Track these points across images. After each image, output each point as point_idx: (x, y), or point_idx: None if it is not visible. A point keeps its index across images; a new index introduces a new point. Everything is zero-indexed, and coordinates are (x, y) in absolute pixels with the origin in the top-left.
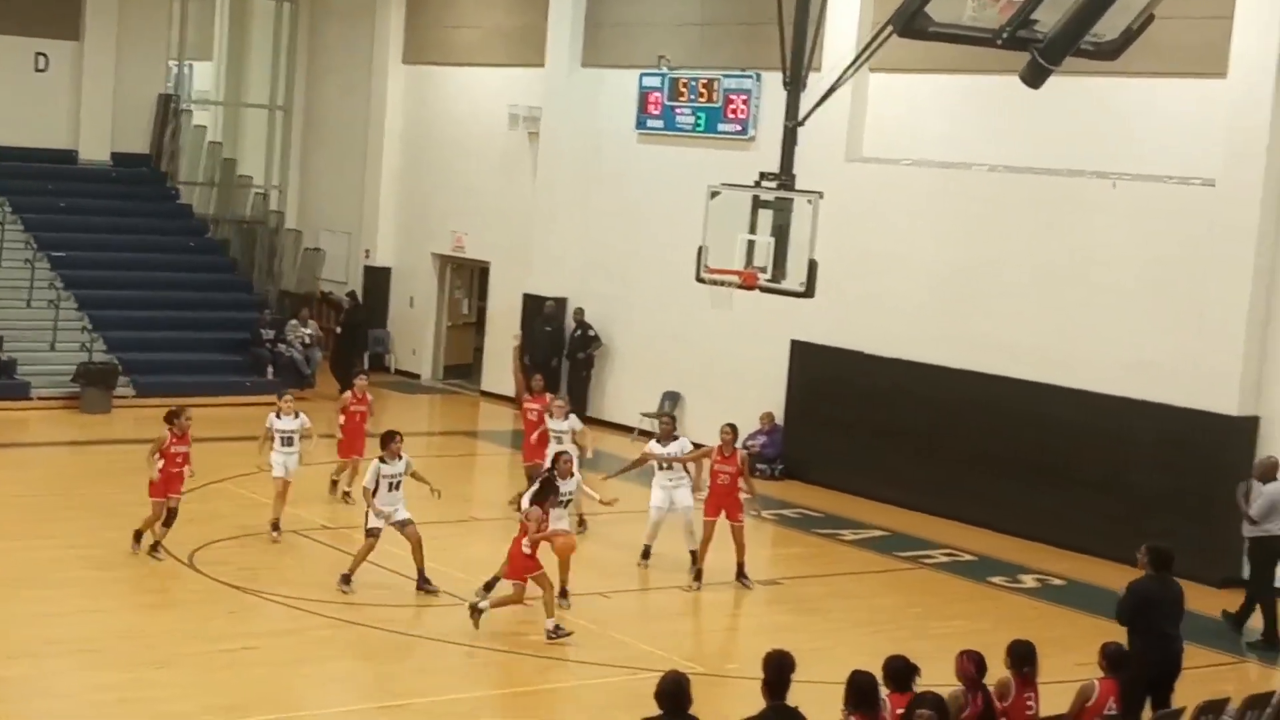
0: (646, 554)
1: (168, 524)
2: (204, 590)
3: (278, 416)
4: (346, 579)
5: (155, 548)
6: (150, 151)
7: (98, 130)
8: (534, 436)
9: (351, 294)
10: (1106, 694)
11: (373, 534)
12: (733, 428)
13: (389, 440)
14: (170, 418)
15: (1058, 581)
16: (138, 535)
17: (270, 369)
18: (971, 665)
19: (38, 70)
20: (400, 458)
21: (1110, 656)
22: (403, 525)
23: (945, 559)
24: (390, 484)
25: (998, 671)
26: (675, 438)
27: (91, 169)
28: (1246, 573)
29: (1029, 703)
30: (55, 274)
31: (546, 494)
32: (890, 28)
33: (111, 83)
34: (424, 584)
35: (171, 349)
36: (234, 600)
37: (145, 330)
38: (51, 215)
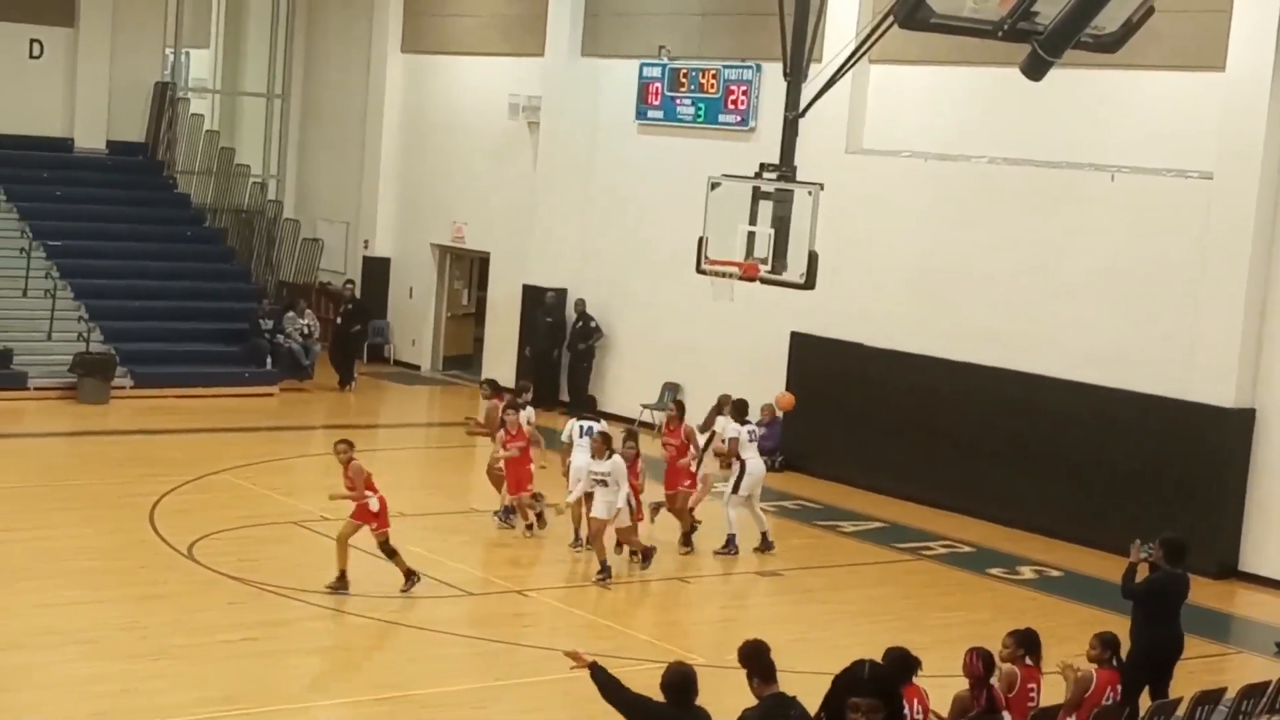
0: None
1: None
2: (203, 581)
3: (594, 458)
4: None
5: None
6: (147, 140)
7: (93, 118)
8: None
9: (350, 284)
10: (1105, 683)
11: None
12: (677, 403)
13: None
14: None
15: (1055, 573)
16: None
17: (269, 360)
18: (980, 664)
19: (32, 57)
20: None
21: (1109, 644)
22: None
23: (944, 550)
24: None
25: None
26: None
27: (88, 157)
28: None
29: (1031, 692)
30: (51, 263)
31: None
32: (891, 19)
33: (107, 70)
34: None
35: (169, 339)
36: (233, 591)
37: (142, 320)
38: (47, 204)
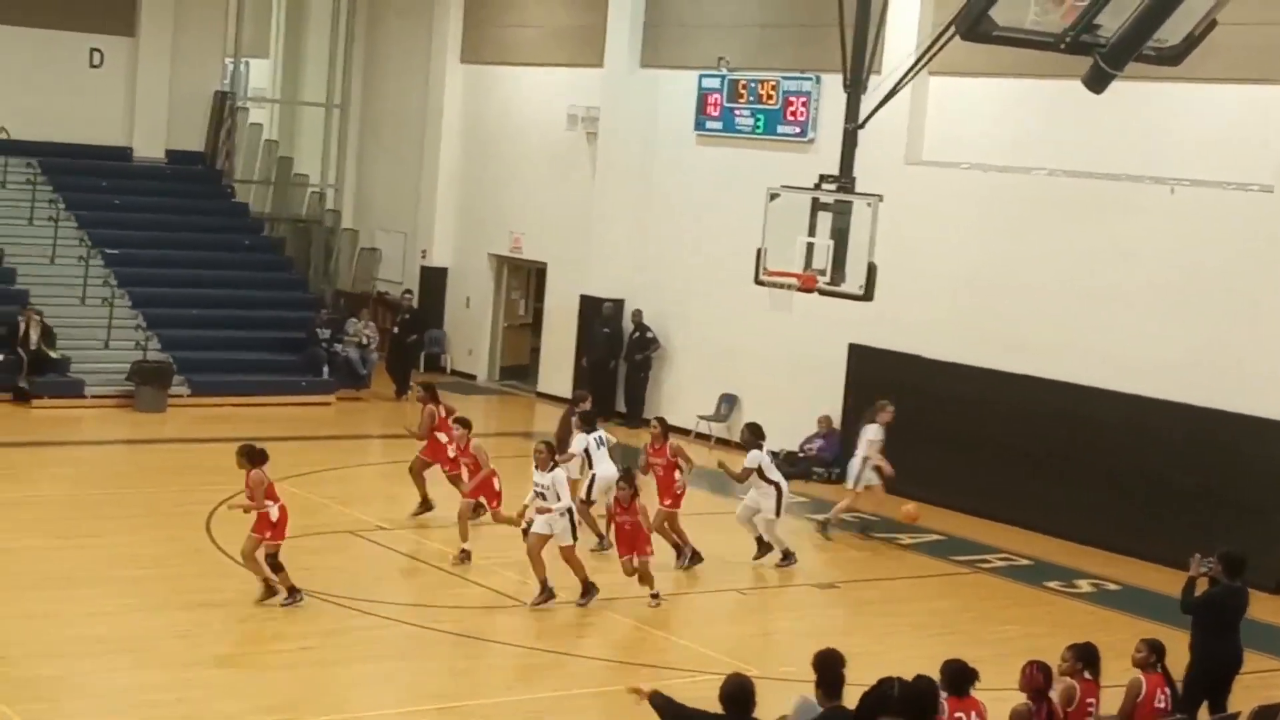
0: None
1: None
2: (255, 590)
3: (538, 469)
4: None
5: None
6: (205, 149)
7: (153, 127)
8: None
9: (407, 293)
10: (1154, 687)
11: None
12: (660, 420)
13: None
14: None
15: (1113, 586)
16: None
17: (325, 369)
18: (1041, 676)
19: (93, 66)
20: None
21: (1155, 649)
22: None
23: (1001, 564)
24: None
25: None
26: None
27: (146, 166)
28: None
29: (1090, 708)
30: (109, 272)
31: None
32: (952, 30)
33: (167, 79)
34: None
35: (226, 348)
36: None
37: (200, 329)
38: (106, 213)
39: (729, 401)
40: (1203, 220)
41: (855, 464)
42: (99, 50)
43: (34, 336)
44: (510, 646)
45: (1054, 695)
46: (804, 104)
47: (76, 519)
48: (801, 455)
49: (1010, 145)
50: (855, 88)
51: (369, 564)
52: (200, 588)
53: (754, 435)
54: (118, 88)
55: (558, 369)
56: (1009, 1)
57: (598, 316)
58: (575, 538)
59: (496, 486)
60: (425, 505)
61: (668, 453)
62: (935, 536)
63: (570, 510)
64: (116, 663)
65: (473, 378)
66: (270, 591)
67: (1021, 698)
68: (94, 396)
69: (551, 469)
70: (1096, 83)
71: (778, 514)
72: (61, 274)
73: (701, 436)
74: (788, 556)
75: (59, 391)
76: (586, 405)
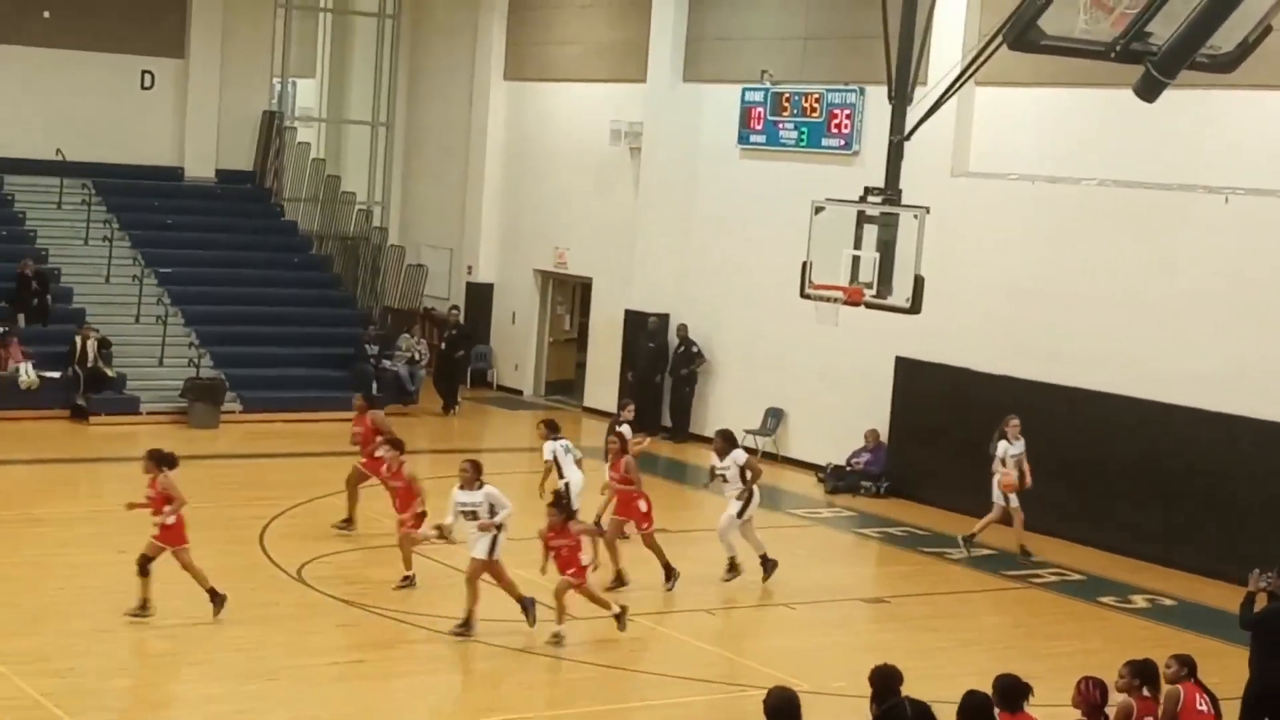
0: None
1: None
2: (313, 604)
3: (463, 488)
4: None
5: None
6: (254, 168)
7: (203, 147)
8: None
9: (454, 309)
10: (1193, 693)
11: None
12: (619, 436)
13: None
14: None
15: (1168, 602)
16: None
17: (374, 384)
18: (1097, 693)
19: (143, 88)
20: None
21: (1185, 663)
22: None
23: (1054, 578)
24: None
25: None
26: (480, 484)
27: (197, 186)
28: None
29: None
30: (162, 290)
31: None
32: (1000, 40)
33: (216, 100)
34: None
35: (277, 364)
36: (342, 614)
37: (251, 346)
38: (158, 232)
39: (775, 415)
40: (1255, 229)
41: (993, 483)
42: (150, 72)
43: (90, 355)
44: (565, 660)
45: (1110, 712)
46: (848, 116)
47: (134, 534)
48: (849, 469)
49: (1058, 155)
50: (900, 99)
51: (420, 578)
52: (256, 601)
53: (728, 441)
54: (168, 109)
55: (603, 384)
56: (1058, 10)
57: (643, 331)
58: (496, 558)
59: (419, 509)
60: (349, 521)
61: (622, 468)
62: (985, 551)
63: (499, 526)
64: (178, 675)
65: (519, 393)
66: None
67: (1075, 715)
68: (149, 413)
69: (479, 487)
70: (1148, 91)
71: (740, 516)
72: (116, 293)
73: (748, 450)
74: (733, 568)
75: (115, 409)
76: (630, 414)
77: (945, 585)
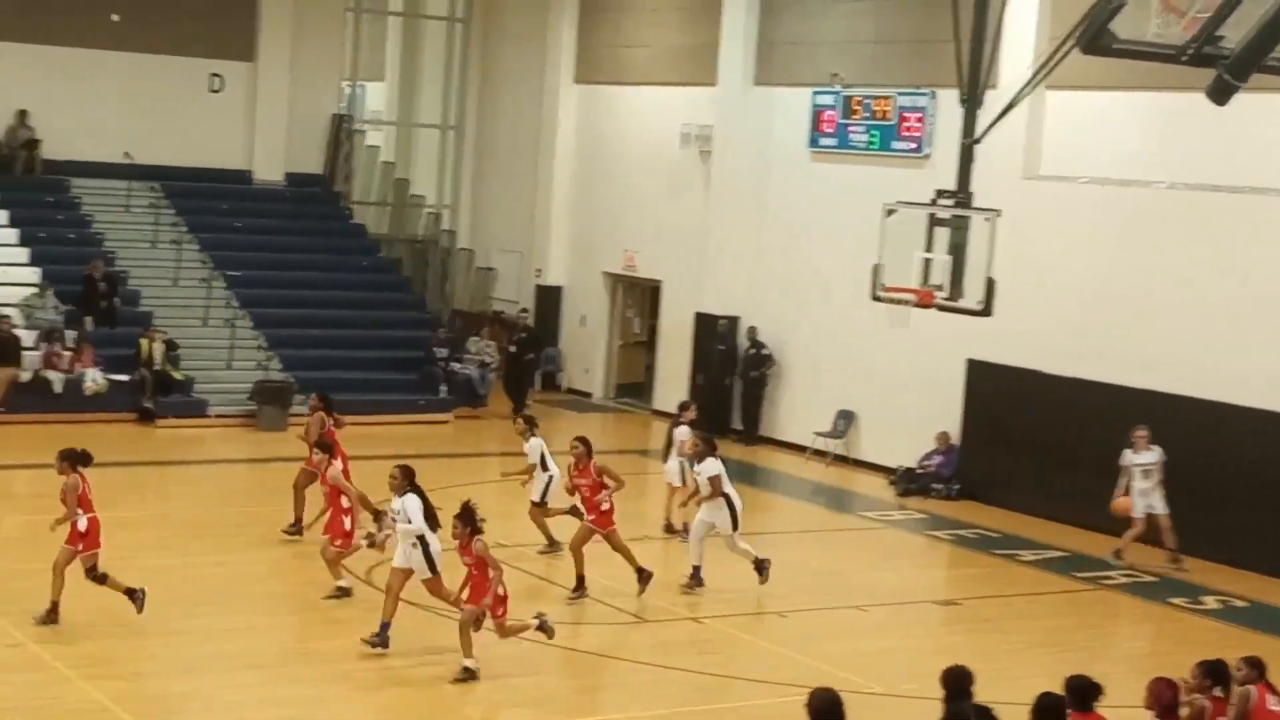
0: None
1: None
2: (380, 606)
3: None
4: None
5: None
6: (324, 172)
7: (272, 151)
8: None
9: (523, 312)
10: (1264, 692)
11: None
12: (582, 440)
13: None
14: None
15: (1240, 603)
16: None
17: (443, 387)
18: (1170, 693)
19: (213, 91)
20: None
21: (1255, 665)
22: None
23: (1125, 580)
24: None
25: None
26: (408, 490)
27: (266, 189)
28: None
29: None
30: (231, 293)
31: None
32: (1071, 44)
33: (285, 103)
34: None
35: (345, 367)
36: (410, 616)
37: (320, 349)
38: (227, 235)
39: (846, 418)
40: None
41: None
42: (219, 75)
43: (158, 358)
44: (634, 663)
45: (1183, 713)
46: (919, 119)
47: (201, 537)
48: (920, 471)
49: (1129, 159)
50: (972, 103)
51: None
52: (323, 604)
53: (709, 445)
54: (237, 112)
55: (673, 387)
56: (1130, 14)
57: (713, 334)
58: (435, 570)
59: (347, 525)
60: (297, 526)
61: (592, 472)
62: (1057, 553)
63: (422, 538)
64: (243, 679)
65: (588, 395)
66: (53, 615)
67: (1147, 716)
68: (217, 416)
69: (404, 494)
70: (1220, 94)
71: (735, 528)
72: (185, 296)
73: (818, 454)
74: (761, 568)
75: (183, 411)
76: (692, 414)
77: (1017, 587)
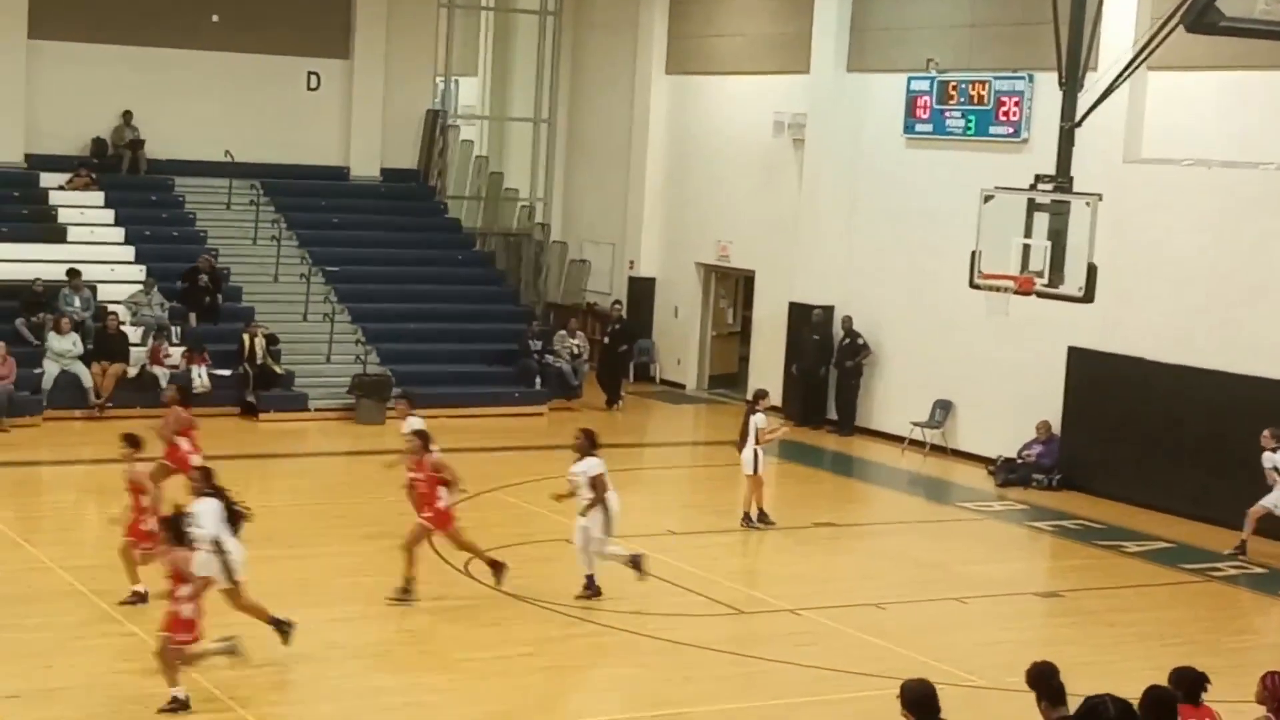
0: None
1: None
2: (479, 597)
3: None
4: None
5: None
6: (419, 167)
7: (368, 147)
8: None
9: (617, 304)
10: None
11: None
12: (418, 434)
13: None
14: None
15: None
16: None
17: (538, 380)
18: None
19: (310, 89)
20: None
21: None
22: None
23: (1234, 571)
24: None
25: None
26: (205, 494)
27: (362, 185)
28: None
29: None
30: (330, 288)
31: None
32: (1175, 22)
33: (381, 100)
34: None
35: (441, 360)
36: (509, 607)
37: (416, 342)
38: (325, 231)
39: (944, 407)
40: None
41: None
42: (315, 73)
43: (259, 352)
44: (731, 655)
45: None
46: (1016, 104)
47: (305, 529)
48: (1020, 461)
49: (1234, 140)
50: (1071, 85)
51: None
52: (424, 594)
53: (590, 441)
54: (334, 109)
55: (767, 377)
56: None
57: (807, 323)
58: (234, 579)
59: (145, 527)
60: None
61: (427, 468)
62: (1163, 544)
63: (219, 543)
64: (350, 668)
65: (681, 387)
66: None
67: (1258, 710)
68: (316, 410)
69: (202, 496)
70: None
71: (607, 533)
72: (284, 291)
73: (915, 444)
74: (636, 564)
75: (284, 405)
76: (767, 403)
77: (1121, 579)
